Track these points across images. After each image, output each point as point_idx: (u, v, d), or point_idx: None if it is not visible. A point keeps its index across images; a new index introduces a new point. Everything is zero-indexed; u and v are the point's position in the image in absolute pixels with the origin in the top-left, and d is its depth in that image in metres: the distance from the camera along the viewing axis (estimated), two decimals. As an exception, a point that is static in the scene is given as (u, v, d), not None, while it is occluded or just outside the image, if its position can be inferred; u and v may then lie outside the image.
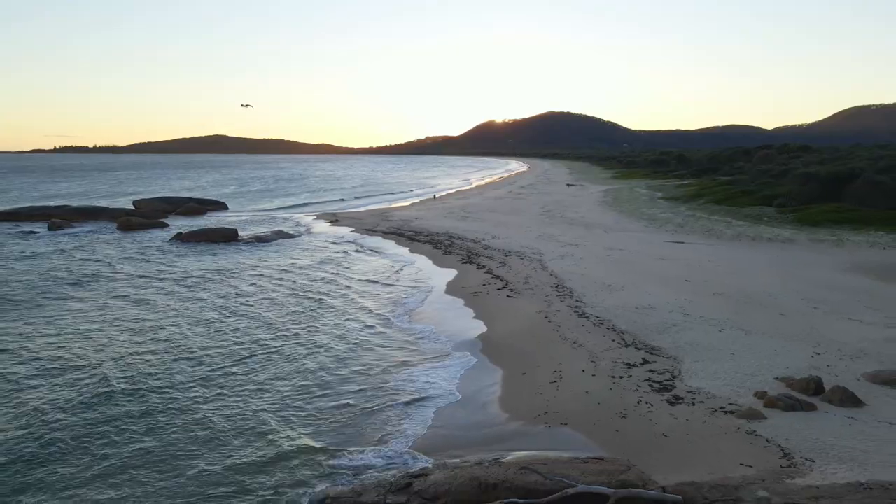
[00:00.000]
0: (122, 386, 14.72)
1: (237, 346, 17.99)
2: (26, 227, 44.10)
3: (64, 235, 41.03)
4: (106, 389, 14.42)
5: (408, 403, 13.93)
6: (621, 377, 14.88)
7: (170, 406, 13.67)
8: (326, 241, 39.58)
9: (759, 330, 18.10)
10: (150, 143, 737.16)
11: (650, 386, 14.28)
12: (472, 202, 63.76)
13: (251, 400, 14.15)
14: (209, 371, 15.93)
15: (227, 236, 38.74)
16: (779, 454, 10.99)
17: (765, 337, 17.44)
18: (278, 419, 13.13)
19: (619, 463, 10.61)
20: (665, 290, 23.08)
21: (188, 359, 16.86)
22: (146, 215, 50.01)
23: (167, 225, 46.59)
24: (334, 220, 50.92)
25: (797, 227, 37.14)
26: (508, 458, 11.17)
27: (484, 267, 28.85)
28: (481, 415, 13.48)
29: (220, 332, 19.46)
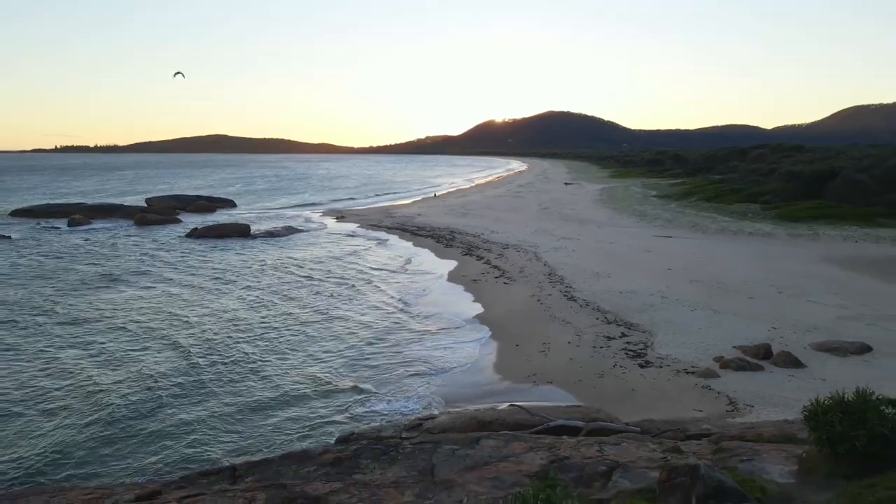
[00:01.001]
0: (198, 351, 17.66)
1: (283, 323, 20.89)
2: (47, 224, 46.39)
3: (85, 231, 43.29)
4: (186, 354, 17.43)
5: (421, 368, 16.32)
6: (601, 347, 17.16)
7: (238, 366, 16.59)
8: (335, 235, 41.88)
9: (728, 310, 20.37)
10: (150, 143, 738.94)
11: (626, 354, 16.55)
12: (472, 200, 65.98)
13: (301, 364, 16.93)
14: (264, 342, 18.79)
15: (241, 231, 40.98)
16: (726, 402, 13.27)
17: (731, 315, 19.71)
18: (322, 377, 15.89)
19: (593, 408, 12.91)
20: (648, 277, 25.34)
21: (245, 331, 19.79)
22: (159, 212, 52.27)
23: (181, 221, 48.84)
24: (340, 216, 53.19)
25: (778, 223, 39.41)
26: (501, 406, 13.44)
27: (483, 258, 31.10)
28: (480, 377, 15.77)
29: (264, 311, 22.39)
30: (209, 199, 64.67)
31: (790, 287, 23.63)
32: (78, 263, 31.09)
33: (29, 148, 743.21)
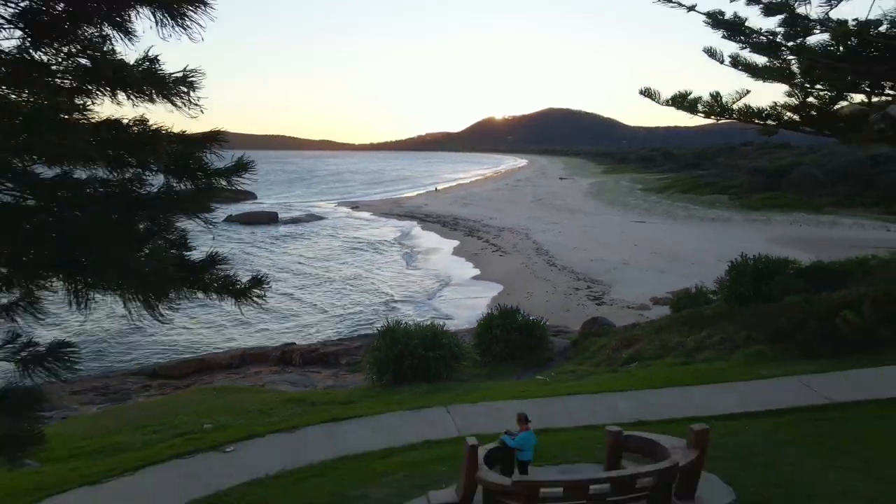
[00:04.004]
0: (309, 292, 26.09)
1: (342, 273, 29.19)
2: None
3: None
4: (299, 296, 24.80)
5: (439, 305, 22.38)
6: (570, 294, 22.98)
7: (333, 290, 25.41)
8: (353, 221, 47.76)
9: (673, 272, 26.16)
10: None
11: (587, 298, 22.39)
12: (473, 193, 71.71)
13: (363, 288, 25.33)
14: (340, 280, 27.00)
15: (271, 218, 46.82)
16: (648, 319, 19.06)
17: (674, 275, 25.50)
18: (378, 298, 23.61)
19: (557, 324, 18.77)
20: (617, 251, 31.13)
21: (330, 277, 28.35)
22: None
23: (212, 209, 54.68)
24: (355, 206, 58.97)
25: (739, 211, 45.20)
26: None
27: (482, 238, 36.89)
28: (478, 312, 21.59)
29: (325, 265, 30.99)
30: (231, 190, 70.18)
31: (728, 257, 29.32)
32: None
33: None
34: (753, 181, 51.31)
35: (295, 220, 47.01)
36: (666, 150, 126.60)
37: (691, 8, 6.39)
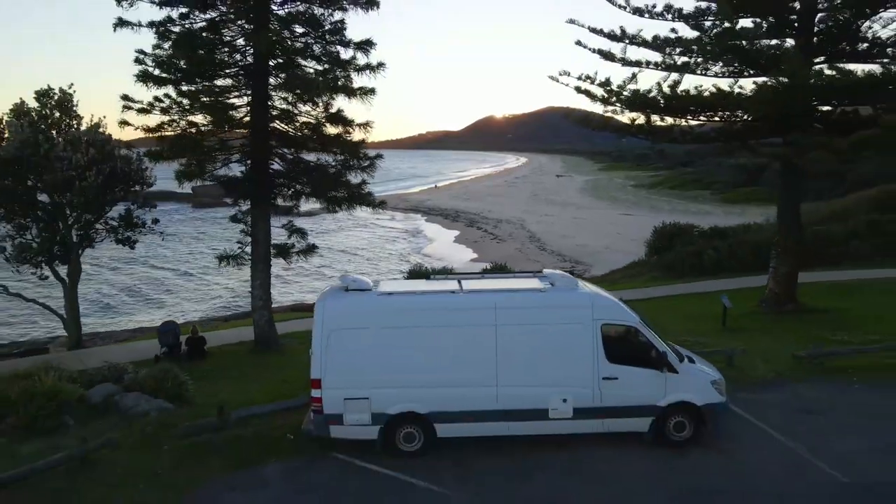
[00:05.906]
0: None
1: (362, 255, 33.32)
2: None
3: (161, 212, 52.90)
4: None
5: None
6: (557, 272, 26.73)
7: (359, 266, 27.53)
8: (362, 214, 51.55)
9: (648, 255, 29.91)
10: (151, 137, 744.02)
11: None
12: (473, 189, 75.48)
13: (379, 268, 28.87)
14: (365, 263, 29.77)
15: (285, 210, 50.60)
16: (621, 292, 22.83)
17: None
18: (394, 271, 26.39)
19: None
20: (601, 238, 34.89)
21: (360, 252, 31.79)
22: (210, 196, 61.68)
23: (228, 203, 58.36)
24: (362, 201, 62.77)
25: (719, 204, 48.90)
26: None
27: (481, 229, 40.64)
28: (478, 286, 25.48)
29: (355, 244, 36.37)
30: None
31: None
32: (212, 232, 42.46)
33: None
34: (735, 178, 54.95)
35: (306, 214, 50.72)
36: (660, 149, 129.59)
37: (567, 85, 11.67)
